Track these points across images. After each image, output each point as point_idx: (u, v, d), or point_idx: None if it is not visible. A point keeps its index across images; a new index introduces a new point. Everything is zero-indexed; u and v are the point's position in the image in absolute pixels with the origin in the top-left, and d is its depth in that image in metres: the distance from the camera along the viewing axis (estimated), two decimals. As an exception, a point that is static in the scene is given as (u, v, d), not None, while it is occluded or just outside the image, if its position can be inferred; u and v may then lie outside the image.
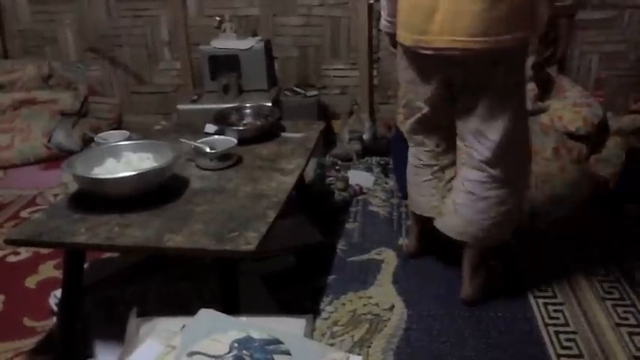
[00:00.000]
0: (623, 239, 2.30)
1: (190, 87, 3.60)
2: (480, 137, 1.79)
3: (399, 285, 2.05)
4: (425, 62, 1.80)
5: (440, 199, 2.01)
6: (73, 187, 1.81)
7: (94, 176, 1.70)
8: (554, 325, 1.83)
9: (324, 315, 1.90)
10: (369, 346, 1.75)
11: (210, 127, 2.25)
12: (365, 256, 2.25)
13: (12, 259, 2.32)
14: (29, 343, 1.81)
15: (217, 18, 3.31)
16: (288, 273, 2.11)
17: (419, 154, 2.04)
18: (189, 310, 1.28)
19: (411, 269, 2.15)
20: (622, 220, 2.42)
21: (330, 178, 2.94)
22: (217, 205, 1.68)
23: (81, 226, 1.57)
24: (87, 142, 3.38)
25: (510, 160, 1.81)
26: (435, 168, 2.01)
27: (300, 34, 3.49)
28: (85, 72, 3.77)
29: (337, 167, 3.09)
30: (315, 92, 3.37)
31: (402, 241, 2.34)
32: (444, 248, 2.12)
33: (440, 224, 1.98)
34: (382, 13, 2.00)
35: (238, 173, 1.91)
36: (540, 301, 1.94)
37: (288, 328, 1.25)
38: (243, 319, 1.27)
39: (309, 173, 2.68)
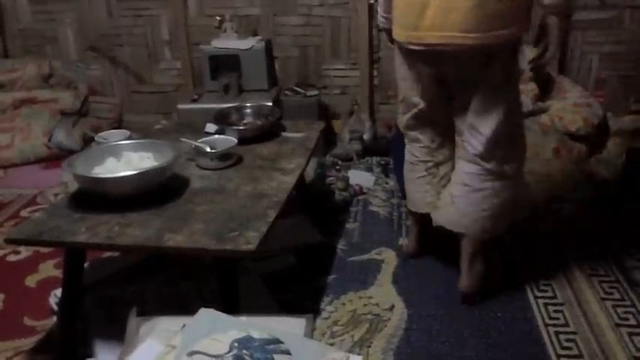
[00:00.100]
0: (623, 239, 2.29)
1: (191, 86, 3.60)
2: (473, 132, 1.82)
3: (399, 285, 2.05)
4: (418, 58, 1.83)
5: (434, 195, 2.03)
6: (74, 186, 1.81)
7: (94, 175, 1.70)
8: (554, 325, 1.83)
9: (324, 315, 1.90)
10: (369, 346, 1.75)
11: (210, 127, 2.25)
12: (365, 256, 2.25)
13: (12, 258, 2.32)
14: (29, 342, 1.81)
15: (218, 18, 3.31)
16: (289, 273, 2.11)
17: (414, 150, 2.06)
18: (189, 309, 1.28)
19: (411, 269, 2.15)
20: (622, 220, 2.42)
21: (331, 178, 2.94)
22: (217, 204, 1.68)
23: (81, 225, 1.57)
24: (87, 141, 3.38)
25: (504, 154, 1.83)
26: (430, 164, 2.03)
27: (300, 34, 3.49)
28: (86, 71, 3.78)
29: (337, 167, 3.09)
30: (315, 92, 3.37)
31: (402, 241, 2.34)
32: (444, 248, 2.12)
33: (436, 217, 1.99)
34: (379, 9, 2.01)
35: (239, 173, 1.91)
36: (540, 301, 1.94)
37: (288, 327, 1.25)
38: (243, 318, 1.27)
39: (310, 173, 2.68)
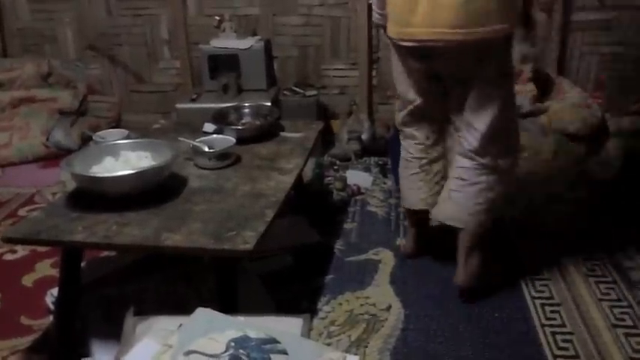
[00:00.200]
0: (620, 240, 2.30)
1: (189, 86, 3.60)
2: (468, 127, 1.85)
3: (396, 285, 2.05)
4: (411, 54, 1.85)
5: (427, 192, 2.05)
6: (72, 185, 1.82)
7: (92, 175, 1.70)
8: (551, 325, 1.83)
9: (321, 315, 1.90)
10: (366, 346, 1.75)
11: (209, 127, 2.25)
12: (362, 256, 2.25)
13: (9, 257, 2.32)
14: (26, 341, 1.81)
15: (217, 17, 3.31)
16: (286, 272, 2.11)
17: (409, 147, 2.08)
18: (186, 309, 1.28)
19: (409, 269, 2.15)
20: (620, 221, 2.42)
21: (329, 178, 2.94)
22: (216, 204, 1.68)
23: (79, 224, 1.57)
24: (85, 140, 3.37)
25: (498, 149, 1.85)
26: (424, 161, 2.05)
27: (299, 34, 3.49)
28: (85, 70, 3.77)
29: (336, 167, 3.09)
30: (314, 92, 3.37)
31: (400, 241, 2.34)
32: (442, 249, 2.12)
33: (436, 213, 2.01)
34: (373, 6, 2.03)
35: (237, 172, 1.91)
36: (537, 301, 1.95)
37: (285, 327, 1.25)
38: (240, 318, 1.27)
39: (308, 173, 2.68)
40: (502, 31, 1.69)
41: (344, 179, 2.89)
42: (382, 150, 3.22)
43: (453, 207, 1.93)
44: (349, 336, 1.80)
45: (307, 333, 1.28)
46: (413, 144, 2.06)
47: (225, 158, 1.96)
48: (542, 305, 1.93)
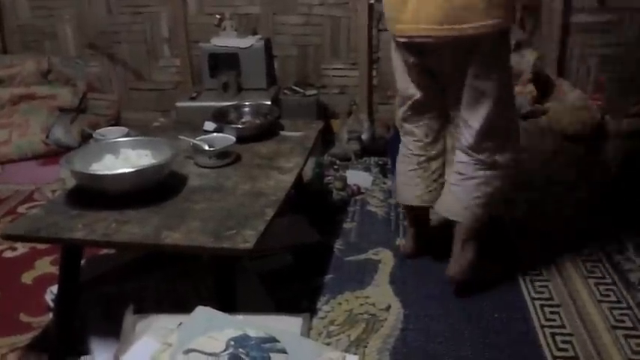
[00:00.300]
0: (620, 241, 2.30)
1: (189, 84, 3.60)
2: (464, 123, 1.87)
3: (395, 285, 2.05)
4: (405, 50, 1.89)
5: (423, 189, 2.06)
6: (71, 183, 1.81)
7: (92, 172, 1.69)
8: (551, 326, 1.83)
9: (320, 314, 1.90)
10: (366, 346, 1.75)
11: (209, 125, 2.25)
12: (362, 256, 2.24)
13: (9, 254, 2.31)
14: (25, 338, 1.81)
15: (217, 16, 3.30)
16: (286, 272, 2.11)
17: (408, 143, 2.09)
18: (186, 307, 1.28)
19: (408, 269, 2.15)
20: (619, 222, 2.43)
21: (329, 178, 2.94)
22: (215, 202, 1.68)
23: (78, 222, 1.56)
24: (85, 138, 3.37)
25: (496, 146, 1.86)
26: (422, 158, 2.06)
27: (300, 33, 3.49)
28: (84, 68, 3.77)
29: (336, 167, 3.09)
30: (314, 91, 3.37)
31: (400, 241, 2.34)
32: (441, 249, 2.12)
33: (437, 207, 2.04)
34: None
35: (237, 171, 1.91)
36: (537, 302, 1.95)
37: (284, 326, 1.25)
38: (240, 317, 1.26)
39: (308, 172, 2.68)
40: (490, 27, 1.69)
41: (344, 179, 2.89)
42: (382, 150, 3.22)
43: (451, 200, 1.96)
44: (349, 336, 1.80)
45: (307, 332, 1.27)
46: (412, 141, 2.07)
47: (225, 157, 1.96)
48: (542, 306, 1.93)
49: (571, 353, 1.71)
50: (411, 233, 2.21)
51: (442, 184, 2.05)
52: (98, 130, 2.25)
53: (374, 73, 3.46)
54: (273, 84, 3.36)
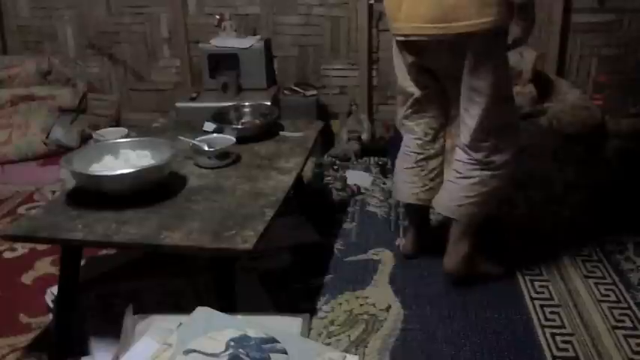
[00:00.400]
0: (620, 241, 2.30)
1: (189, 85, 3.60)
2: (462, 122, 1.88)
3: (395, 285, 2.05)
4: (403, 48, 1.92)
5: (420, 188, 2.08)
6: (71, 183, 1.81)
7: (91, 173, 1.69)
8: (551, 326, 1.83)
9: (320, 314, 1.90)
10: (366, 346, 1.75)
11: (208, 126, 2.25)
12: (362, 256, 2.24)
13: (8, 255, 2.31)
14: (24, 339, 1.81)
15: (217, 16, 3.31)
16: (285, 272, 2.11)
17: (408, 141, 2.10)
18: (185, 308, 1.28)
19: (408, 270, 2.15)
20: (620, 223, 2.43)
21: (328, 178, 2.94)
22: (215, 203, 1.68)
23: (78, 222, 1.57)
24: (85, 138, 3.37)
25: (493, 145, 1.86)
26: (420, 157, 2.07)
27: (299, 34, 3.49)
28: (84, 68, 3.77)
29: (335, 167, 3.09)
30: (314, 92, 3.37)
31: (399, 241, 2.34)
32: (441, 249, 2.12)
33: (433, 203, 2.05)
34: None
35: (236, 172, 1.91)
36: (537, 302, 1.95)
37: (284, 327, 1.25)
38: (240, 317, 1.26)
39: (308, 173, 2.68)
40: (482, 25, 1.70)
41: (344, 179, 2.89)
42: (382, 150, 3.22)
43: (447, 197, 1.97)
44: (349, 336, 1.80)
45: (307, 332, 1.27)
46: (412, 138, 2.08)
47: (225, 157, 1.96)
48: (542, 306, 1.93)
49: (571, 353, 1.71)
50: (411, 233, 2.21)
51: (440, 184, 2.06)
52: (98, 131, 2.25)
53: (374, 73, 3.46)
54: (272, 84, 3.36)
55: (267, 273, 2.07)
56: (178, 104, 3.16)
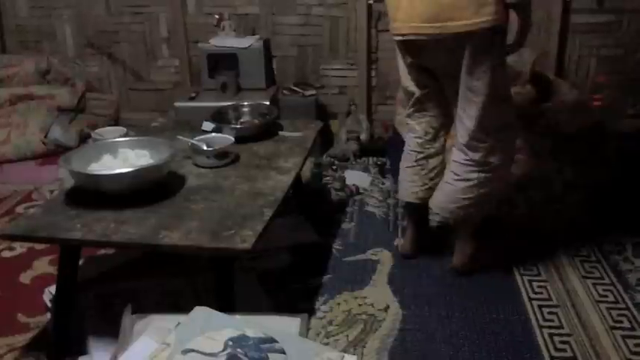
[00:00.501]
0: (618, 242, 2.30)
1: (188, 84, 3.60)
2: (460, 122, 1.89)
3: (394, 285, 2.05)
4: (402, 48, 1.94)
5: (420, 187, 2.09)
6: (70, 183, 1.81)
7: (90, 172, 1.69)
8: (549, 327, 1.83)
9: (319, 314, 1.90)
10: (364, 346, 1.75)
11: (207, 125, 2.24)
12: (361, 256, 2.25)
13: (7, 254, 2.31)
14: (23, 338, 1.81)
15: (216, 16, 3.30)
16: (284, 272, 2.11)
17: (409, 140, 2.12)
18: (184, 307, 1.27)
19: (407, 270, 2.15)
20: (619, 223, 2.43)
21: (327, 178, 2.94)
22: (214, 202, 1.68)
23: (77, 222, 1.56)
24: (84, 138, 3.37)
25: (491, 146, 1.87)
26: (420, 156, 2.08)
27: (299, 34, 3.49)
28: (83, 68, 3.76)
29: (334, 167, 3.09)
30: (313, 92, 3.37)
31: (398, 241, 2.34)
32: (440, 249, 2.12)
33: (430, 202, 2.07)
34: None
35: (235, 171, 1.91)
36: (535, 303, 1.95)
37: (282, 326, 1.25)
38: (238, 317, 1.26)
39: (306, 172, 2.68)
40: (479, 25, 1.70)
41: (342, 179, 2.89)
42: (381, 150, 3.23)
43: (442, 198, 1.99)
44: (347, 336, 1.80)
45: (305, 332, 1.27)
46: (413, 137, 2.10)
47: (224, 157, 1.96)
48: (540, 306, 1.93)
49: (569, 354, 1.71)
50: (410, 233, 2.21)
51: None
52: (97, 130, 2.24)
53: (373, 73, 3.46)
54: (271, 84, 3.36)
55: (265, 273, 2.07)
56: (177, 104, 3.16)
